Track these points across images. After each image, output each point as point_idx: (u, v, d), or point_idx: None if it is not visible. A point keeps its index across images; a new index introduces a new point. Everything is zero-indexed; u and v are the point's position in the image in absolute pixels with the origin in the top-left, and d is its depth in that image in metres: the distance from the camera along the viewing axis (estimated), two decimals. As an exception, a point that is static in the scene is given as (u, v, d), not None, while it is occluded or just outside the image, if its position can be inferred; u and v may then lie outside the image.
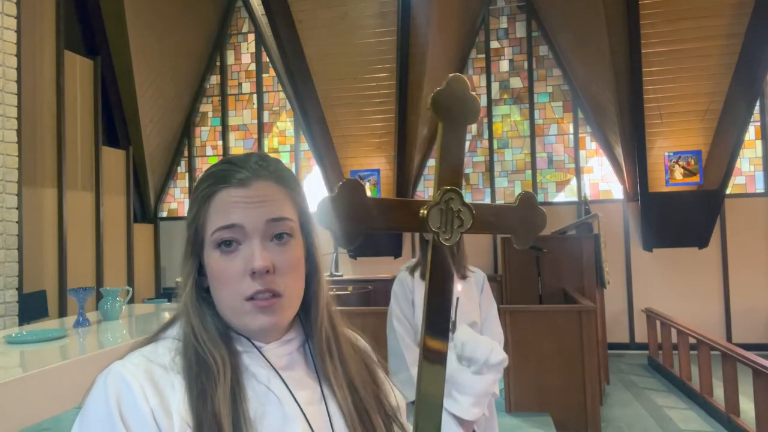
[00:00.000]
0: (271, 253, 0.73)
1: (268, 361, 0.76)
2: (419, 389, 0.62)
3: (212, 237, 0.74)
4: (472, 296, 2.46)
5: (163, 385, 0.70)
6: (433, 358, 0.63)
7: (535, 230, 0.69)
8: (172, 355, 0.73)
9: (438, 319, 0.63)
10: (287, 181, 0.78)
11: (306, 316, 0.81)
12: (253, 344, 0.76)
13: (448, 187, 0.62)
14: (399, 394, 0.87)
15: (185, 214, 0.80)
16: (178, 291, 0.79)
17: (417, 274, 2.48)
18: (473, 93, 0.64)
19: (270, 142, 8.87)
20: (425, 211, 0.61)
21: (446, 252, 0.62)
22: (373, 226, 0.59)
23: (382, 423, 0.79)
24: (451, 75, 0.63)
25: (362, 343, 0.89)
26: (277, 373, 0.75)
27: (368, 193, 0.59)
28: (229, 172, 0.75)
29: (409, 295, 2.45)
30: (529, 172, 8.21)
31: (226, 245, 0.73)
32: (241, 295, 0.72)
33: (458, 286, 2.31)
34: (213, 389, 0.69)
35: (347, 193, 0.57)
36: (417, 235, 2.54)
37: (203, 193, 0.75)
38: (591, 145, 8.10)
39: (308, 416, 0.74)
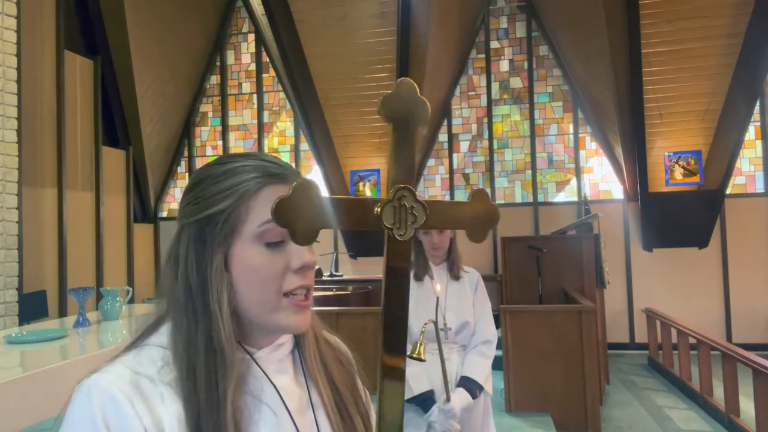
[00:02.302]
0: None
1: (262, 370, 0.74)
2: (380, 409, 0.63)
3: (258, 229, 0.71)
4: (466, 296, 2.47)
5: (152, 398, 0.66)
6: (392, 374, 0.65)
7: (488, 225, 0.72)
8: (158, 366, 0.69)
9: (396, 318, 0.65)
10: None
11: None
12: (245, 351, 0.74)
13: (401, 186, 0.65)
14: (370, 403, 0.86)
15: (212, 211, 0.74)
16: (167, 291, 0.74)
17: (411, 274, 2.50)
18: (421, 96, 0.66)
19: (270, 142, 8.87)
20: (379, 209, 0.63)
21: (403, 248, 0.65)
22: (329, 225, 0.61)
23: (363, 425, 0.79)
24: (400, 79, 0.66)
25: (344, 348, 0.89)
26: (271, 381, 0.74)
27: (324, 193, 0.61)
28: (278, 171, 0.74)
29: None
30: (529, 172, 8.21)
31: (273, 240, 0.71)
32: (279, 291, 0.72)
33: (437, 286, 2.32)
34: (216, 399, 0.67)
35: (302, 194, 0.59)
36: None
37: (248, 185, 0.72)
38: (591, 145, 8.10)
39: (298, 426, 0.73)
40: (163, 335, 0.72)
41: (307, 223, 0.58)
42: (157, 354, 0.71)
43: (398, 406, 0.63)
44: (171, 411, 0.66)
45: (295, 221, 0.58)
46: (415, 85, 0.66)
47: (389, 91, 0.64)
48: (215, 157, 0.81)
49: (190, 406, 0.66)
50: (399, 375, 0.64)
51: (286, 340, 0.79)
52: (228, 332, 0.70)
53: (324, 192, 0.61)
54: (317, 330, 0.82)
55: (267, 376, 0.74)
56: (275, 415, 0.72)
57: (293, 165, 8.60)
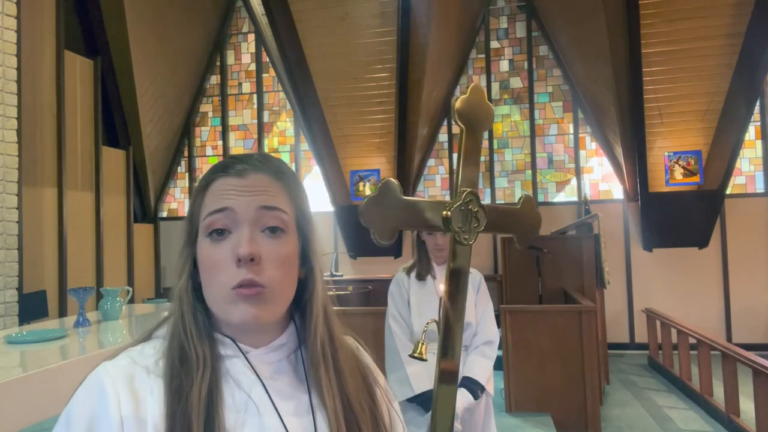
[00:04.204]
0: (259, 243, 0.72)
1: (253, 369, 0.74)
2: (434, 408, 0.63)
3: (204, 222, 0.73)
4: (468, 297, 2.47)
5: (141, 390, 0.69)
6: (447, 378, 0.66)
7: (533, 231, 0.73)
8: (156, 358, 0.72)
9: (453, 319, 0.66)
10: (285, 177, 0.77)
11: (301, 321, 0.79)
12: (239, 348, 0.74)
13: (469, 190, 0.65)
14: (397, 417, 0.84)
15: (186, 215, 0.80)
16: (172, 288, 0.77)
17: (413, 274, 2.50)
18: (488, 101, 0.66)
19: (270, 142, 8.87)
20: (448, 212, 0.64)
21: (467, 251, 0.66)
22: (406, 224, 0.61)
23: None
24: (471, 84, 0.67)
25: (367, 358, 0.86)
26: (260, 381, 0.73)
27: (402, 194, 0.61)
28: (229, 163, 0.76)
29: (405, 294, 2.47)
30: (529, 172, 8.21)
31: (217, 233, 0.72)
32: (227, 285, 0.71)
33: (440, 286, 2.32)
34: (189, 388, 0.68)
35: (386, 194, 0.59)
36: (414, 235, 2.55)
37: (201, 182, 0.77)
38: (591, 145, 8.10)
39: (290, 429, 0.72)
40: (167, 327, 0.76)
41: (387, 222, 0.59)
42: (159, 346, 0.74)
43: (451, 404, 0.64)
44: (156, 404, 0.68)
45: (376, 220, 0.58)
46: (484, 90, 0.68)
47: (462, 96, 0.64)
48: (215, 158, 0.82)
49: (167, 399, 0.68)
50: (453, 378, 0.65)
51: (288, 340, 0.77)
52: (189, 329, 0.73)
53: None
54: (334, 332, 0.79)
55: (257, 375, 0.73)
56: (260, 415, 0.71)
57: (293, 165, 8.62)
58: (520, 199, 0.71)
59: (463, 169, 0.66)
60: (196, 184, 0.77)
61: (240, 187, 0.73)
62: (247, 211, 0.72)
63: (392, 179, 0.61)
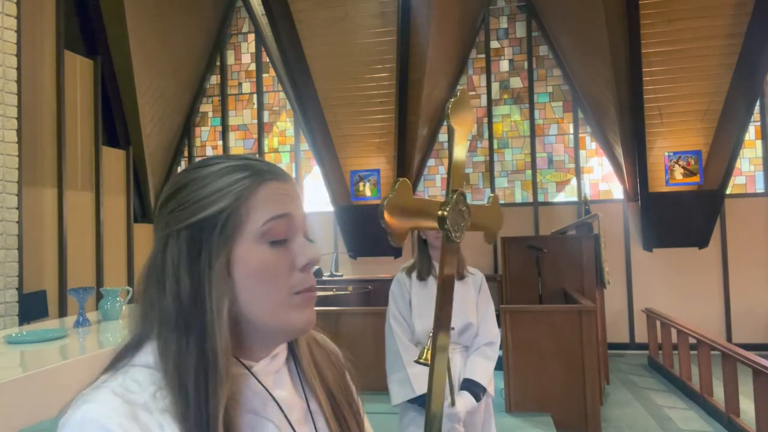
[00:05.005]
0: None
1: (262, 384, 0.70)
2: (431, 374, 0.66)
3: (265, 227, 0.68)
4: (469, 297, 2.46)
5: (151, 426, 0.60)
6: (441, 348, 0.69)
7: (498, 228, 0.77)
8: (151, 391, 0.62)
9: (445, 309, 0.68)
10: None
11: None
12: (243, 365, 0.69)
13: (459, 189, 0.67)
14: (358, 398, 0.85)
15: (208, 210, 0.70)
16: (151, 305, 0.68)
17: (414, 274, 2.49)
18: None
19: (270, 142, 8.87)
20: (445, 212, 0.65)
21: (456, 248, 0.68)
22: (418, 225, 0.63)
23: (357, 426, 0.78)
24: (460, 87, 0.69)
25: (332, 345, 0.86)
26: (272, 396, 0.70)
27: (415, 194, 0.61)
28: (268, 167, 0.72)
29: (406, 295, 2.46)
30: (529, 172, 8.21)
31: (277, 238, 0.69)
32: (290, 289, 0.69)
33: None
34: (208, 417, 0.61)
35: (402, 195, 0.60)
36: (415, 235, 2.54)
37: (245, 182, 0.68)
38: (591, 145, 8.10)
39: None
40: (148, 354, 0.66)
41: (403, 222, 0.59)
42: (144, 377, 0.64)
43: (444, 373, 0.66)
44: None
45: (395, 221, 0.58)
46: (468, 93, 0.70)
47: (454, 99, 0.66)
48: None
49: (184, 429, 0.61)
50: (445, 347, 0.67)
51: (281, 350, 0.75)
52: (225, 344, 0.65)
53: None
54: (308, 334, 0.80)
55: (267, 390, 0.70)
56: (279, 430, 0.69)
57: (293, 165, 8.63)
58: (490, 197, 0.73)
59: (454, 168, 0.67)
60: (220, 182, 0.68)
61: (290, 193, 0.72)
62: (300, 217, 0.72)
63: (406, 179, 0.62)
